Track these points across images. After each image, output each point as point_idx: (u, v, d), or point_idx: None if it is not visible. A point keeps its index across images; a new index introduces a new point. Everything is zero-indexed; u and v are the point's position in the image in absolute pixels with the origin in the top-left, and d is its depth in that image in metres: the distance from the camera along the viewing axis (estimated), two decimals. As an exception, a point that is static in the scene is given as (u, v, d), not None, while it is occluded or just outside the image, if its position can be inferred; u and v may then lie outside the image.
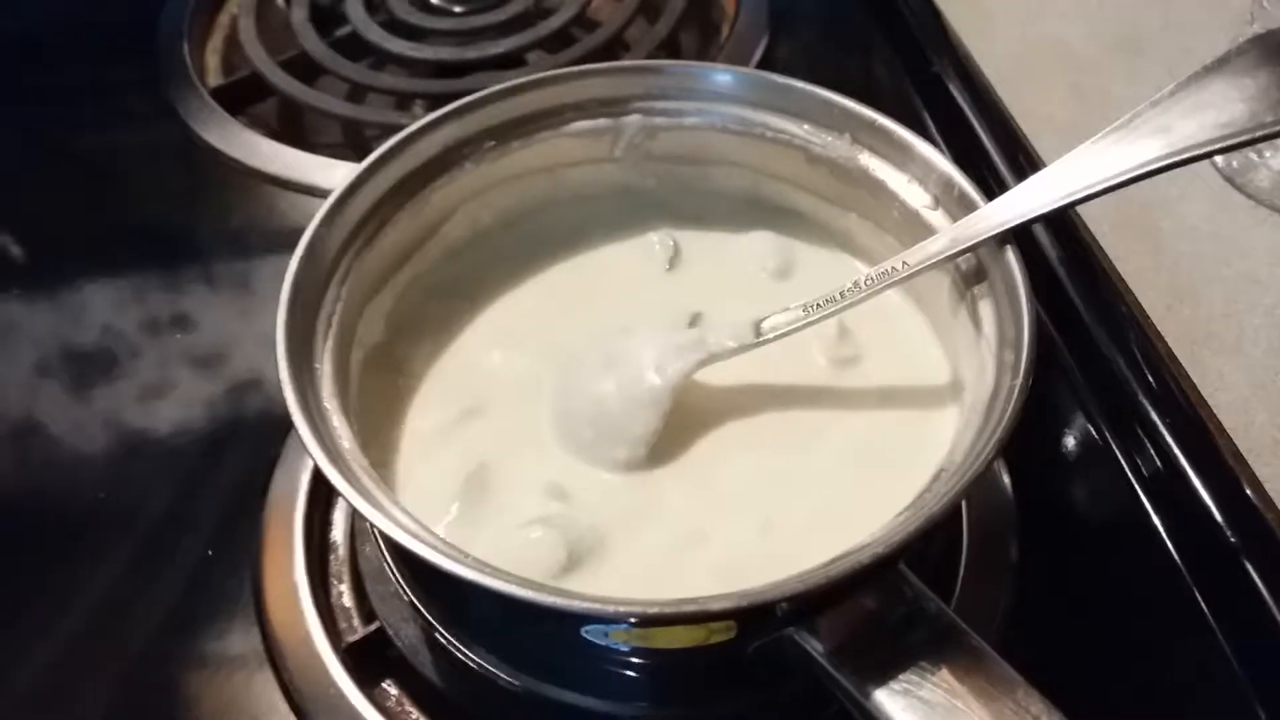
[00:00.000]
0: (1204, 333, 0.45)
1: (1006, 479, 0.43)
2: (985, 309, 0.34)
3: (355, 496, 0.28)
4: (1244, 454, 0.41)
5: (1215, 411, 0.42)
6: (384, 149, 0.37)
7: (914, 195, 0.37)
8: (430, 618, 0.36)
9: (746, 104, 0.40)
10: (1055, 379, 0.48)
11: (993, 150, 0.55)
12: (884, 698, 0.28)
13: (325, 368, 0.33)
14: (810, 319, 0.36)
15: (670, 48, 0.65)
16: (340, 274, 0.36)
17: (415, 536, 0.28)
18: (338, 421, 0.32)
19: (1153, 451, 0.43)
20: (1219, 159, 0.52)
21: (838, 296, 0.35)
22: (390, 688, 0.40)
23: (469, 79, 0.62)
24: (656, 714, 0.36)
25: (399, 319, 0.40)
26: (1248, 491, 0.40)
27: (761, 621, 0.30)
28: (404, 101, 0.65)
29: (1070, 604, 0.41)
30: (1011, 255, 0.33)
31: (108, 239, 0.59)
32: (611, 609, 0.26)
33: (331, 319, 0.35)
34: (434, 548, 0.28)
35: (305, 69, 0.64)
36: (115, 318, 0.54)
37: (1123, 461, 0.44)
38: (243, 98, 0.64)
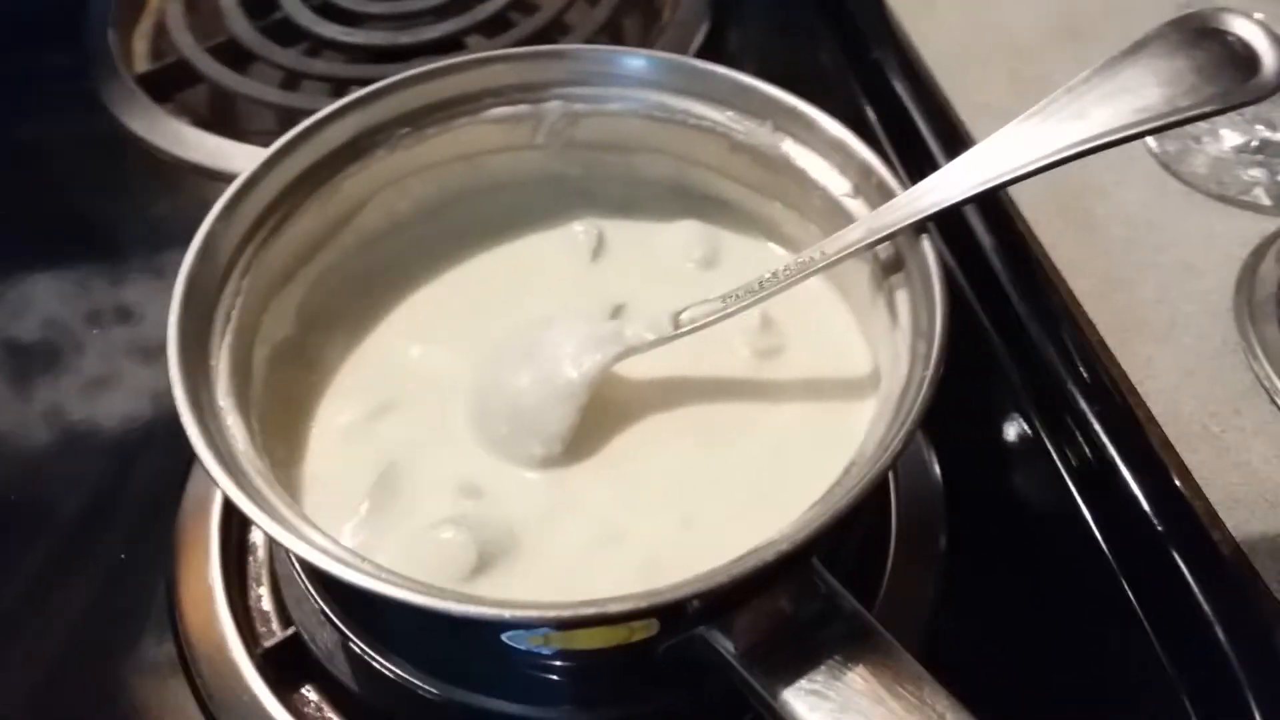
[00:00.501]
0: (1135, 320, 0.45)
1: (937, 469, 0.42)
2: (901, 299, 0.33)
3: (236, 492, 0.27)
4: (1172, 442, 0.40)
5: (1145, 399, 0.42)
6: (286, 139, 0.36)
7: (834, 183, 0.37)
8: (339, 623, 0.35)
9: (668, 90, 0.39)
10: (986, 368, 0.47)
11: (930, 138, 0.54)
12: (791, 697, 0.27)
13: (222, 365, 0.32)
14: (729, 310, 0.35)
15: (611, 32, 0.64)
16: (240, 268, 0.34)
17: (296, 534, 0.27)
18: (232, 420, 0.31)
19: (1082, 441, 0.43)
20: (1154, 145, 0.52)
21: (756, 287, 0.35)
22: (310, 693, 0.39)
23: (406, 65, 0.60)
24: (578, 716, 0.36)
25: (311, 312, 0.39)
26: (1175, 480, 0.39)
27: (669, 622, 0.29)
28: (339, 88, 0.63)
29: (999, 595, 0.40)
30: (927, 244, 0.32)
31: (32, 231, 0.57)
32: (496, 613, 0.25)
33: (230, 314, 0.34)
34: (313, 545, 0.27)
35: (235, 55, 0.62)
36: (45, 310, 0.52)
37: (1052, 451, 0.44)
38: (171, 85, 0.62)
